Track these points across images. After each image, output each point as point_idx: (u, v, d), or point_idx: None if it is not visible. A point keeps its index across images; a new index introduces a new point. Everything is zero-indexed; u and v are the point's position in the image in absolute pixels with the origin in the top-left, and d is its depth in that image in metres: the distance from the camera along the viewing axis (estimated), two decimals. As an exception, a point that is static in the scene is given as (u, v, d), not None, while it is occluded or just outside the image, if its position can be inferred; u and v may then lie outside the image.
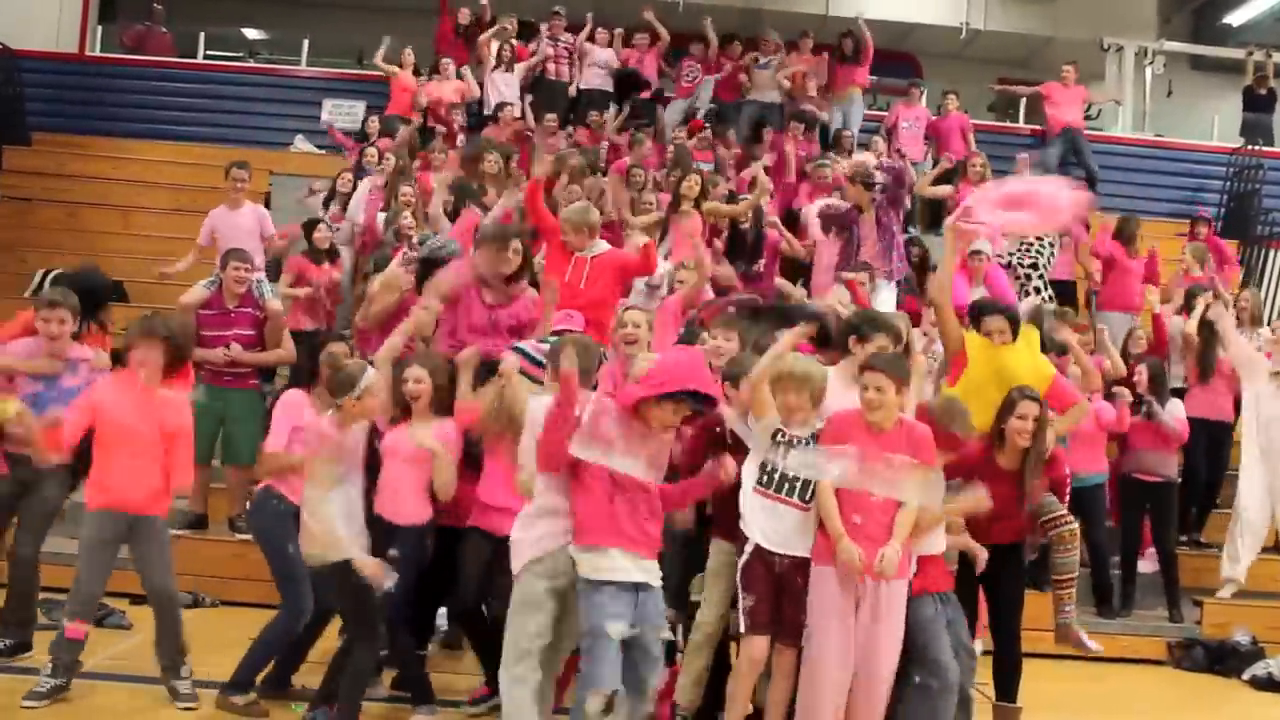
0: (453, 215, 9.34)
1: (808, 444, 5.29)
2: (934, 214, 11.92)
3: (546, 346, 5.89)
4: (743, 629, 5.30)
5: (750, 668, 5.32)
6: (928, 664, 5.35)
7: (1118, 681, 7.93)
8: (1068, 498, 6.30)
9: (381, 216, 10.63)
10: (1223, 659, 8.39)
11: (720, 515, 5.66)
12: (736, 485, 5.35)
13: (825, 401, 5.41)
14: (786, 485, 5.30)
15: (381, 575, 5.42)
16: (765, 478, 5.33)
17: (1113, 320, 10.72)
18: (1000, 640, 6.12)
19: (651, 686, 4.91)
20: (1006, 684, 6.15)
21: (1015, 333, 6.64)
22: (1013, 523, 5.93)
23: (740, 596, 5.31)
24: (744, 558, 5.33)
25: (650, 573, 4.88)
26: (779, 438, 5.32)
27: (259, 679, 6.02)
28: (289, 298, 9.65)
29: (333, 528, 5.38)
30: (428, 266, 7.78)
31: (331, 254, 10.15)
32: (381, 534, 5.78)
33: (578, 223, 7.75)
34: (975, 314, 6.84)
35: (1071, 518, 6.15)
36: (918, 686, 5.33)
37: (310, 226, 10.33)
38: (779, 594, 5.28)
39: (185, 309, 8.19)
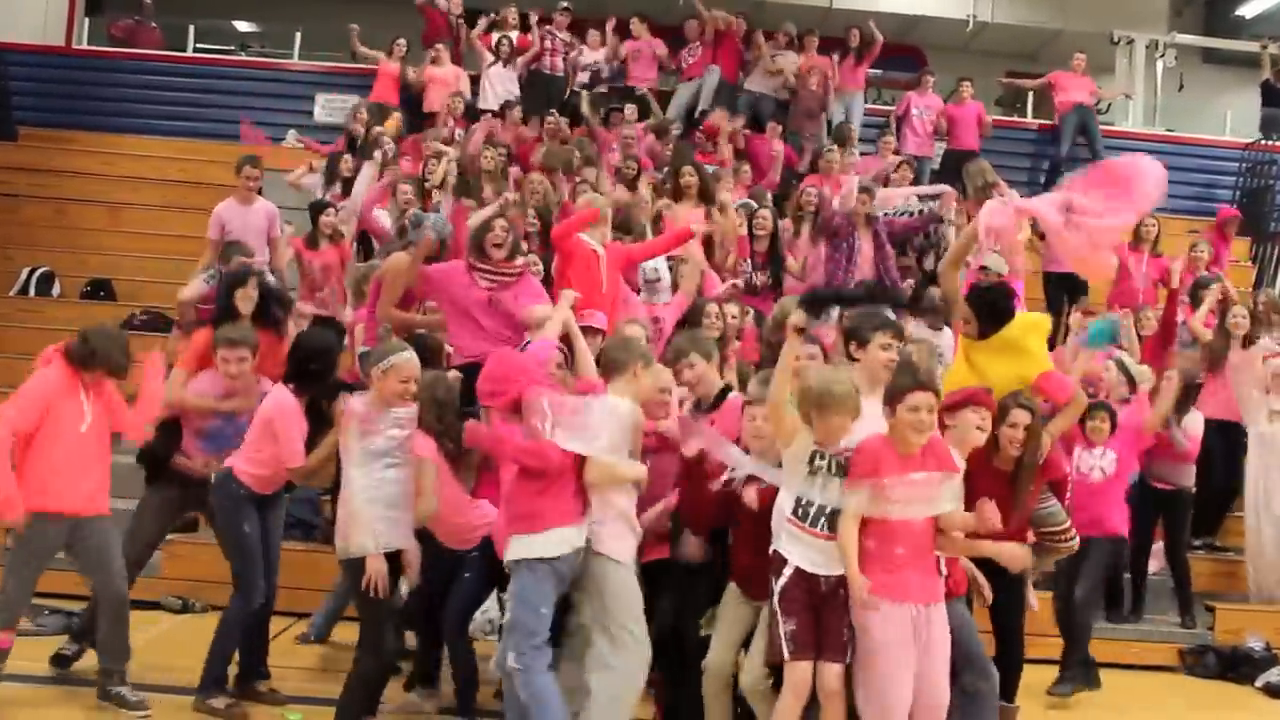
0: None
1: (843, 470, 5.04)
2: None
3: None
4: (786, 655, 5.04)
5: (796, 697, 5.04)
6: (976, 667, 5.37)
7: (1128, 687, 7.81)
8: (1068, 500, 6.13)
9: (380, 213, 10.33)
10: (1235, 665, 8.28)
11: (738, 568, 5.46)
12: (757, 545, 5.21)
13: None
14: (823, 520, 5.04)
15: (383, 580, 5.34)
16: (801, 510, 5.07)
17: (1116, 319, 10.55)
18: (1002, 642, 6.06)
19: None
20: (1007, 685, 6.02)
21: (991, 328, 6.07)
22: (1009, 528, 5.63)
23: (780, 621, 5.05)
24: (782, 580, 5.06)
25: None
26: (817, 461, 5.04)
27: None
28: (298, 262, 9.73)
29: (357, 516, 5.32)
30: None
31: (334, 237, 9.95)
32: None
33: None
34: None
35: (1074, 534, 5.94)
36: (969, 692, 5.31)
37: (317, 210, 10.11)
38: (819, 612, 5.05)
39: (183, 305, 8.08)
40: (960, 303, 6.19)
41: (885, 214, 10.04)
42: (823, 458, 5.03)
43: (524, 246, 8.59)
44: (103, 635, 5.97)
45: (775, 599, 5.06)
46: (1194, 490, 8.76)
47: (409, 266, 7.40)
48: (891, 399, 5.11)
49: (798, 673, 5.03)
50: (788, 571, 5.06)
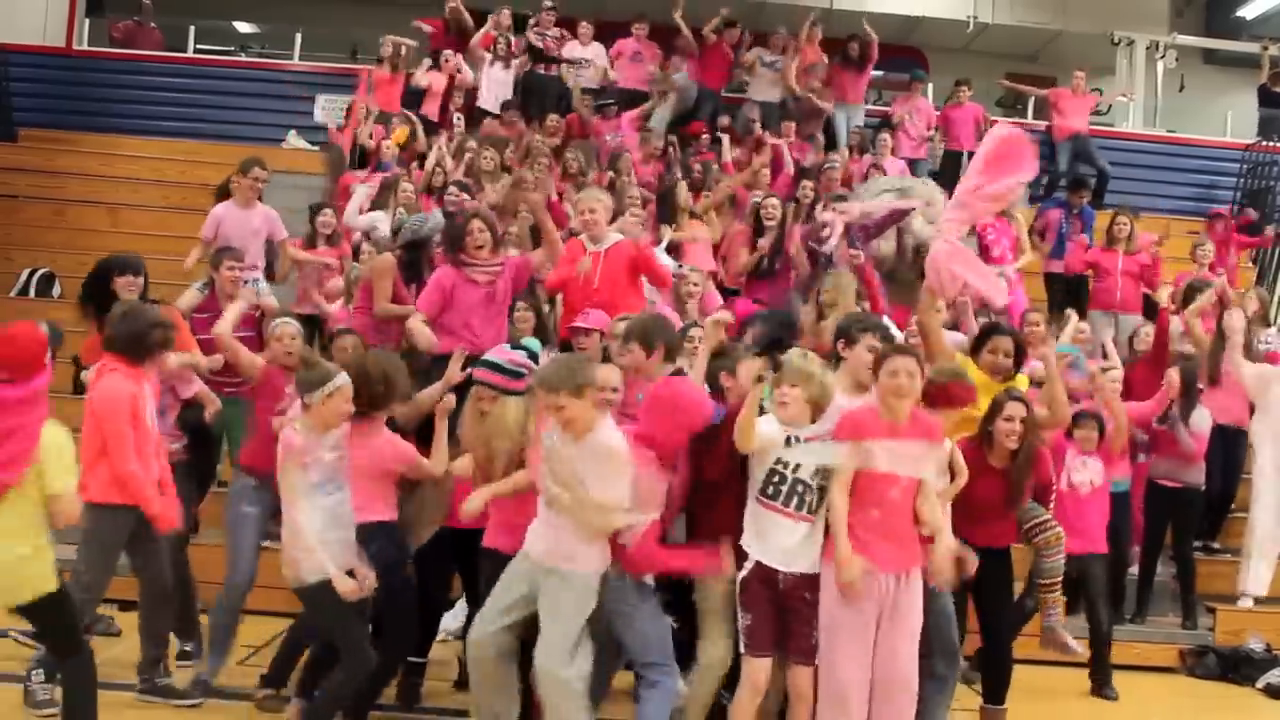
0: None
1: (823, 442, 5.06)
2: None
3: (520, 355, 5.65)
4: (742, 649, 5.05)
5: (753, 692, 5.05)
6: (948, 655, 5.45)
7: (1129, 689, 7.76)
8: (1053, 502, 6.31)
9: (377, 216, 10.33)
10: (1236, 667, 8.26)
11: (711, 542, 5.30)
12: (733, 515, 5.15)
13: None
14: (796, 499, 5.01)
15: (356, 592, 5.25)
16: (772, 488, 5.04)
17: (1096, 320, 10.63)
18: (988, 643, 6.11)
19: None
20: (994, 687, 6.17)
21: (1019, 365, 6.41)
22: (1000, 526, 5.81)
23: (739, 616, 5.05)
24: (742, 574, 5.06)
25: None
26: (791, 441, 5.03)
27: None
28: (298, 263, 9.84)
29: (308, 544, 5.21)
30: (413, 250, 7.84)
31: (332, 239, 9.92)
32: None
33: (609, 206, 7.71)
34: (982, 336, 6.54)
35: (1055, 522, 6.13)
36: (937, 678, 5.36)
37: (315, 211, 10.11)
38: (782, 612, 5.03)
39: (178, 314, 7.86)
40: (943, 344, 6.36)
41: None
42: (796, 440, 5.03)
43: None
44: (147, 623, 6.05)
45: (737, 592, 5.05)
46: (1203, 489, 8.71)
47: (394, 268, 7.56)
48: (874, 364, 5.18)
49: (753, 667, 5.02)
50: (748, 565, 5.05)
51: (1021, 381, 6.43)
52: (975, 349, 6.39)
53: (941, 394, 5.40)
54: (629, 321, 6.21)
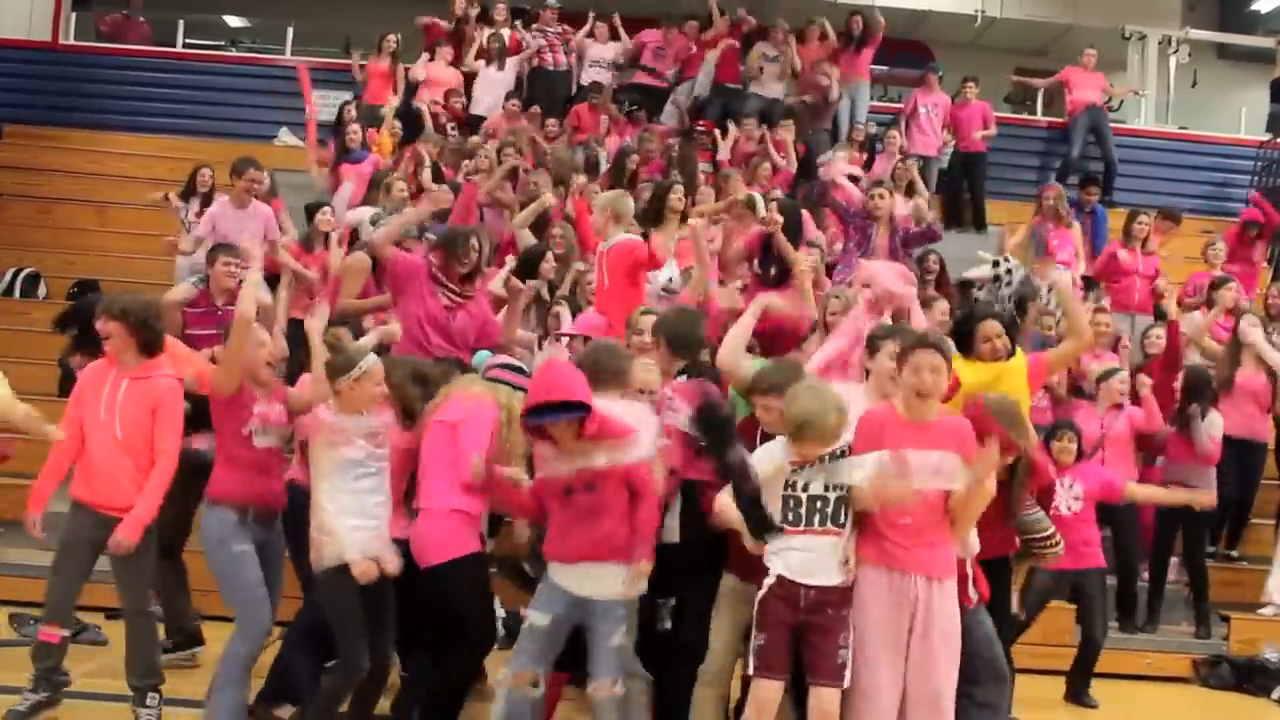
0: None
1: (842, 455, 4.79)
2: None
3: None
4: (750, 670, 4.83)
5: (759, 714, 4.79)
6: (996, 679, 5.33)
7: (1142, 699, 7.79)
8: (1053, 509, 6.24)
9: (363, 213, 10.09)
10: (1251, 677, 8.19)
11: (736, 549, 5.09)
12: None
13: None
14: (818, 515, 4.76)
15: (372, 574, 5.12)
16: (792, 514, 4.79)
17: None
18: None
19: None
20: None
21: (1014, 345, 6.28)
22: (995, 536, 5.54)
23: (752, 634, 4.82)
24: (761, 592, 4.81)
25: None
26: (802, 470, 4.79)
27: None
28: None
29: (331, 532, 5.12)
30: None
31: (328, 240, 9.62)
32: None
33: (602, 205, 7.73)
34: (964, 326, 6.31)
35: (1059, 539, 5.96)
36: (982, 703, 5.24)
37: (312, 210, 9.85)
38: (805, 631, 4.75)
39: (170, 307, 7.81)
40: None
41: None
42: (803, 468, 4.79)
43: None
44: (127, 650, 5.78)
45: (755, 608, 4.81)
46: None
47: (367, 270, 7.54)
48: (897, 360, 4.95)
49: (762, 690, 4.77)
50: (768, 581, 4.78)
51: (1019, 359, 6.30)
52: (967, 343, 6.19)
53: (983, 421, 5.05)
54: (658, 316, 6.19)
